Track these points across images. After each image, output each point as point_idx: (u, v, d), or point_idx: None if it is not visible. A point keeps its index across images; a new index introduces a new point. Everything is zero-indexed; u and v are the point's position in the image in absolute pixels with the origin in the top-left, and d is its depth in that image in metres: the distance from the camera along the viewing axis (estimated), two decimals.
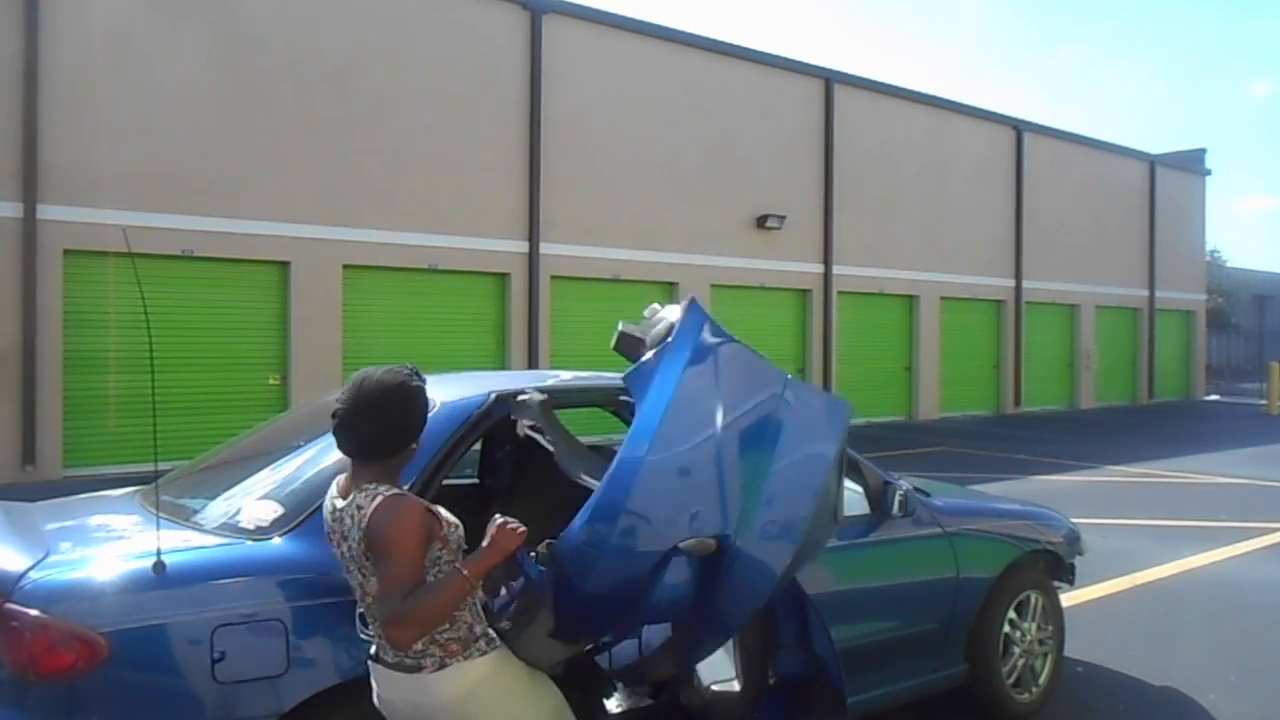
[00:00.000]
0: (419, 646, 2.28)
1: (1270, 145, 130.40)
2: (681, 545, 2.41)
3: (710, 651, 2.79)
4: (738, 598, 2.52)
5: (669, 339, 2.54)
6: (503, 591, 2.58)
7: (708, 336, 2.52)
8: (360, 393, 2.29)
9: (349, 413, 2.29)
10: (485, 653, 2.34)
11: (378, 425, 2.28)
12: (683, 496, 2.43)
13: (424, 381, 2.41)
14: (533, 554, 2.45)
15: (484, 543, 2.27)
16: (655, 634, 3.01)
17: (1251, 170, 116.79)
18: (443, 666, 2.28)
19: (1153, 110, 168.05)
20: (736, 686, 3.06)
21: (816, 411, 2.62)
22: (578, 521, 2.38)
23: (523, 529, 2.31)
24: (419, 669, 2.29)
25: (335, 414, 2.31)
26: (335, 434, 2.33)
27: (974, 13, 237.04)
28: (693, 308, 2.57)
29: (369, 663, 2.42)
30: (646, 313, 2.75)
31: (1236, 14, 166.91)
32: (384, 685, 2.37)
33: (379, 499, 2.22)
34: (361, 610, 2.43)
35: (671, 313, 2.64)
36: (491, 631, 2.40)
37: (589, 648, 2.81)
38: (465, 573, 2.22)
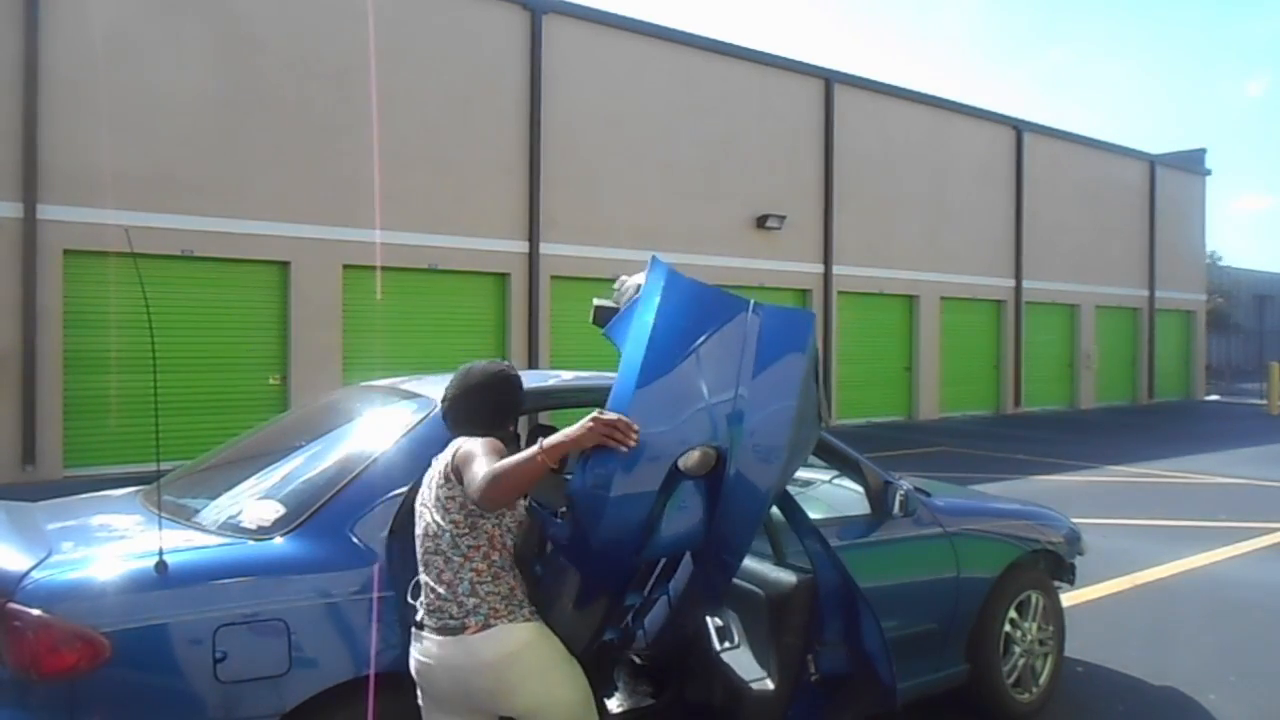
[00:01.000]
0: (464, 601, 2.43)
1: (1265, 144, 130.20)
2: (683, 465, 2.53)
3: (720, 589, 2.88)
4: (742, 507, 2.65)
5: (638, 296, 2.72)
6: (537, 569, 2.66)
7: (673, 280, 2.67)
8: (468, 378, 2.69)
9: (457, 395, 2.68)
10: (529, 620, 2.48)
11: (479, 405, 2.65)
12: (674, 415, 2.53)
13: (518, 374, 2.78)
14: (557, 515, 2.57)
15: (565, 431, 2.32)
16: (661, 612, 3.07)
17: (1246, 169, 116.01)
18: (486, 627, 2.42)
19: (1145, 109, 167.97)
20: (769, 685, 3.06)
21: (783, 323, 2.79)
22: (580, 467, 2.46)
23: (605, 426, 2.30)
24: (462, 629, 2.42)
25: (445, 398, 2.71)
26: (444, 414, 2.71)
27: (965, 11, 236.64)
28: (655, 262, 2.74)
29: (412, 630, 2.53)
30: (615, 284, 2.94)
31: (1229, 12, 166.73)
32: (424, 651, 2.48)
33: (458, 446, 2.53)
34: (420, 570, 2.54)
35: (638, 278, 2.81)
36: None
37: (617, 625, 2.88)
38: (540, 451, 2.26)
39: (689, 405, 2.55)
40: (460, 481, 2.45)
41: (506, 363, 2.78)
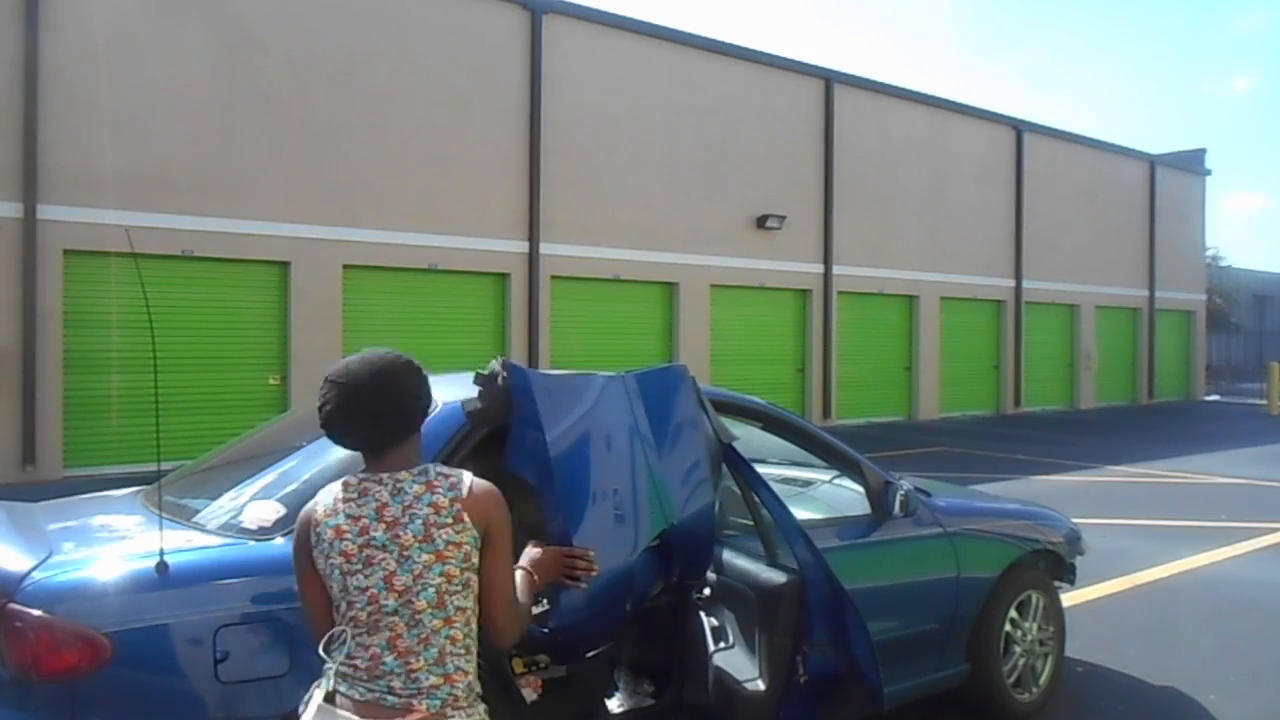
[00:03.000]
0: (421, 677, 1.89)
1: (1254, 142, 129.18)
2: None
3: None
4: (694, 549, 2.97)
5: (514, 407, 2.69)
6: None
7: (542, 390, 2.70)
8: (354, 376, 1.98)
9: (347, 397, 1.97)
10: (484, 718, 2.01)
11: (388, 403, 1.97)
12: (617, 534, 2.70)
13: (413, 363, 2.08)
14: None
15: (538, 555, 2.33)
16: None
17: (1235, 168, 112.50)
18: (438, 717, 1.89)
19: (1128, 107, 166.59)
20: (761, 686, 3.07)
21: (658, 383, 2.98)
22: (555, 609, 2.64)
23: (565, 565, 2.39)
24: (405, 711, 1.87)
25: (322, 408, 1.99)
26: (329, 431, 2.00)
27: (939, 9, 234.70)
28: (514, 371, 2.70)
29: (313, 699, 1.91)
30: (479, 383, 2.84)
31: (1212, 6, 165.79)
32: None
33: (471, 480, 1.98)
34: (340, 628, 1.94)
35: (498, 367, 2.79)
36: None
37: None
38: (536, 578, 2.27)
39: (625, 519, 2.70)
40: (481, 541, 1.96)
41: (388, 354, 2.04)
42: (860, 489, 3.93)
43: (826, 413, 17.75)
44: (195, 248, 11.58)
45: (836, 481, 4.26)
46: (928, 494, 4.21)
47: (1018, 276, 21.79)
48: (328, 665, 1.91)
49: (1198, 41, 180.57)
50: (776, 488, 4.37)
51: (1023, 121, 21.94)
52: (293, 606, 2.62)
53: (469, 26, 13.82)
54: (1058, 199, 22.78)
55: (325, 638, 1.95)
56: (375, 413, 1.94)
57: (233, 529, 2.88)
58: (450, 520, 1.92)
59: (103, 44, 10.96)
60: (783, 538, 3.19)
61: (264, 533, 2.81)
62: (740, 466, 3.15)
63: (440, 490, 1.94)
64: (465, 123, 13.74)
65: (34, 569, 2.53)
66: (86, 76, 10.91)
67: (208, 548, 2.76)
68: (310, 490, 2.95)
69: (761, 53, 17.34)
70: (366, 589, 1.90)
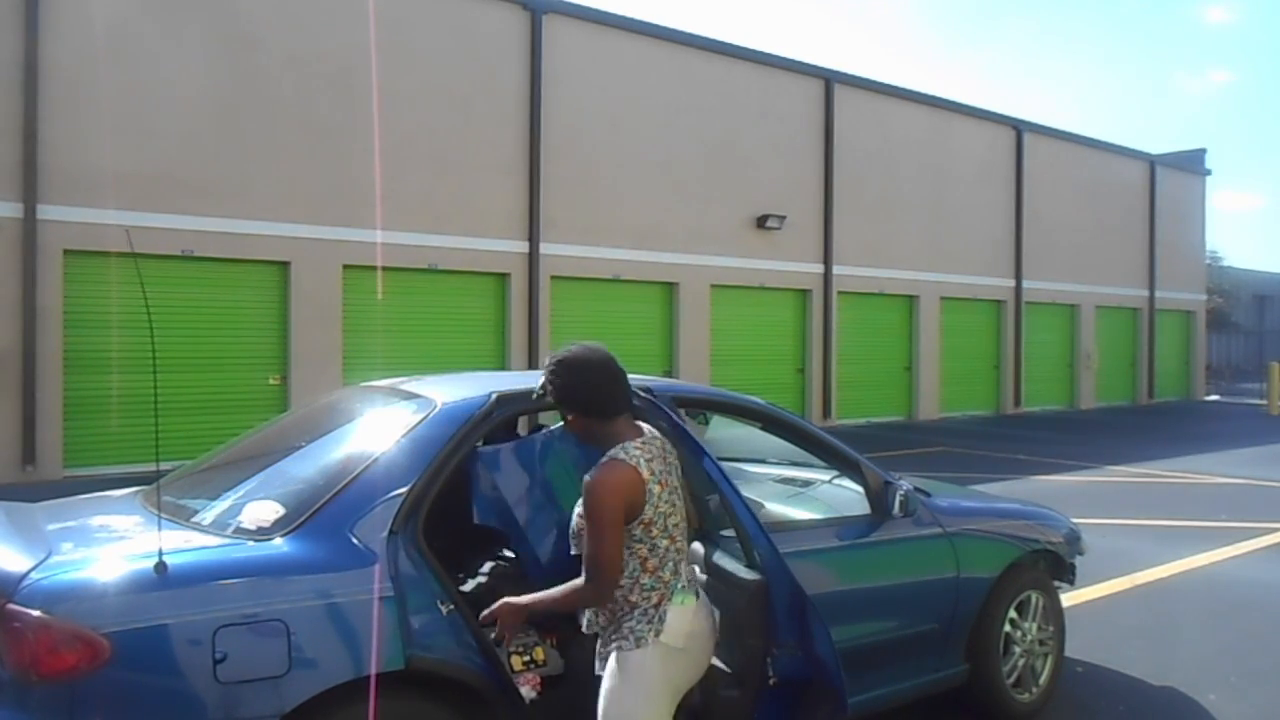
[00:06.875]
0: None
1: (1237, 139, 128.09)
2: None
3: None
4: None
5: None
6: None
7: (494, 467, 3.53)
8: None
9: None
10: None
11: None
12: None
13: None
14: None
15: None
16: None
17: (1222, 167, 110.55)
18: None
19: (1108, 103, 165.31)
20: (738, 687, 3.06)
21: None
22: None
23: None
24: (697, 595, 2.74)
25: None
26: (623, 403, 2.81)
27: (895, 6, 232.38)
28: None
29: (686, 601, 2.64)
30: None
31: (1188, 2, 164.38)
32: (704, 617, 2.74)
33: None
34: (675, 557, 2.66)
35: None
36: None
37: None
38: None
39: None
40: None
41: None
42: (860, 489, 3.92)
43: (826, 413, 17.75)
44: (195, 248, 11.58)
45: (836, 481, 4.25)
46: (927, 494, 4.21)
47: (1018, 276, 21.79)
48: (675, 583, 2.63)
49: (1169, 36, 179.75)
50: (776, 488, 4.38)
51: (1023, 121, 21.94)
52: (291, 607, 2.63)
53: (469, 26, 13.82)
54: (1058, 199, 22.77)
55: (661, 569, 2.61)
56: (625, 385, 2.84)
57: (232, 529, 2.88)
58: (677, 464, 2.76)
59: (103, 44, 10.96)
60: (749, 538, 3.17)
61: (263, 533, 2.81)
62: (708, 465, 3.12)
63: (669, 444, 2.78)
64: (465, 123, 13.74)
65: (33, 569, 2.53)
66: (86, 76, 10.91)
67: (207, 548, 2.76)
68: (310, 490, 2.96)
69: (761, 53, 17.34)
70: (679, 524, 2.68)
